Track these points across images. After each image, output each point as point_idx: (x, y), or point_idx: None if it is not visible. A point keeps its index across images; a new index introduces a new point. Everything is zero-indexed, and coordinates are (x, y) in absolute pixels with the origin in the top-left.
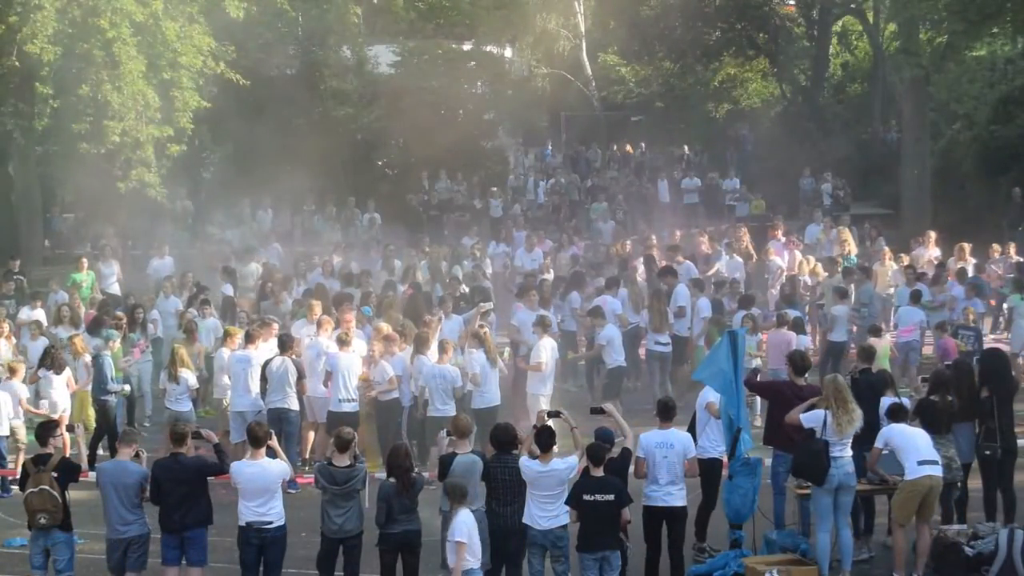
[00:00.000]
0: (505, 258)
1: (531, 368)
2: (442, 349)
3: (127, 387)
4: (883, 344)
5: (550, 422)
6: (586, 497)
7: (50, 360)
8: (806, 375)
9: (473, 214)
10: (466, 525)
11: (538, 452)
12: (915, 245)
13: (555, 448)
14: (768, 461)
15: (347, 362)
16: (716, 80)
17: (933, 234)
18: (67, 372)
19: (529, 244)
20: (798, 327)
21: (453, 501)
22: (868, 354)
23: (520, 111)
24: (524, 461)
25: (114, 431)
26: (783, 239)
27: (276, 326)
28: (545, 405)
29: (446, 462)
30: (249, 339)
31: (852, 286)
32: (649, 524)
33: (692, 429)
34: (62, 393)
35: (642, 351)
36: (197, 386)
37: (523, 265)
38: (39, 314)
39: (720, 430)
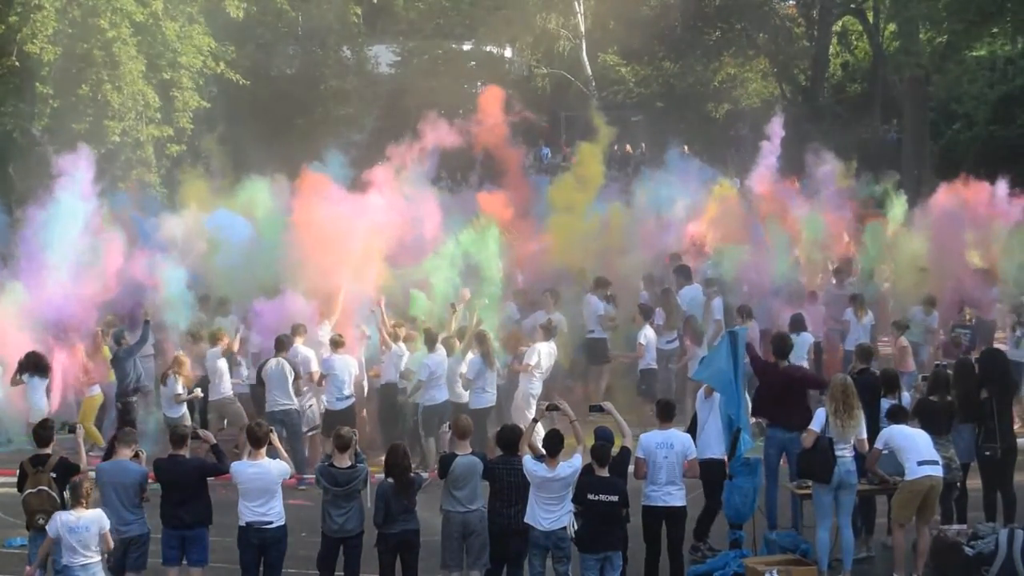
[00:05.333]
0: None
1: (520, 369)
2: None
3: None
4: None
5: (550, 416)
6: (591, 496)
7: (32, 365)
8: (788, 358)
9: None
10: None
11: (541, 450)
12: None
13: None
14: None
15: (342, 364)
16: (716, 80)
17: None
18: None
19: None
20: (798, 325)
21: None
22: (866, 354)
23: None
24: (530, 464)
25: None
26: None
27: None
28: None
29: (446, 462)
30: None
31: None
32: (649, 524)
33: (692, 430)
34: (44, 397)
35: None
36: (183, 392)
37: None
38: None
39: (720, 431)
